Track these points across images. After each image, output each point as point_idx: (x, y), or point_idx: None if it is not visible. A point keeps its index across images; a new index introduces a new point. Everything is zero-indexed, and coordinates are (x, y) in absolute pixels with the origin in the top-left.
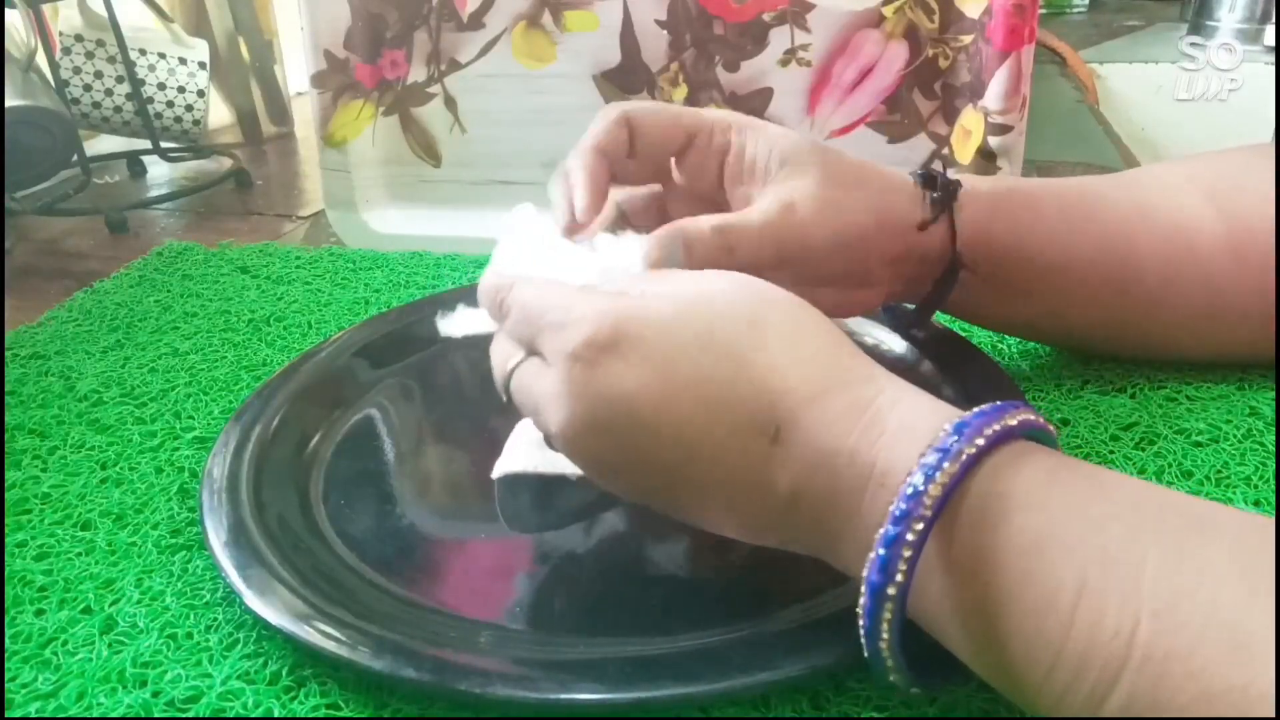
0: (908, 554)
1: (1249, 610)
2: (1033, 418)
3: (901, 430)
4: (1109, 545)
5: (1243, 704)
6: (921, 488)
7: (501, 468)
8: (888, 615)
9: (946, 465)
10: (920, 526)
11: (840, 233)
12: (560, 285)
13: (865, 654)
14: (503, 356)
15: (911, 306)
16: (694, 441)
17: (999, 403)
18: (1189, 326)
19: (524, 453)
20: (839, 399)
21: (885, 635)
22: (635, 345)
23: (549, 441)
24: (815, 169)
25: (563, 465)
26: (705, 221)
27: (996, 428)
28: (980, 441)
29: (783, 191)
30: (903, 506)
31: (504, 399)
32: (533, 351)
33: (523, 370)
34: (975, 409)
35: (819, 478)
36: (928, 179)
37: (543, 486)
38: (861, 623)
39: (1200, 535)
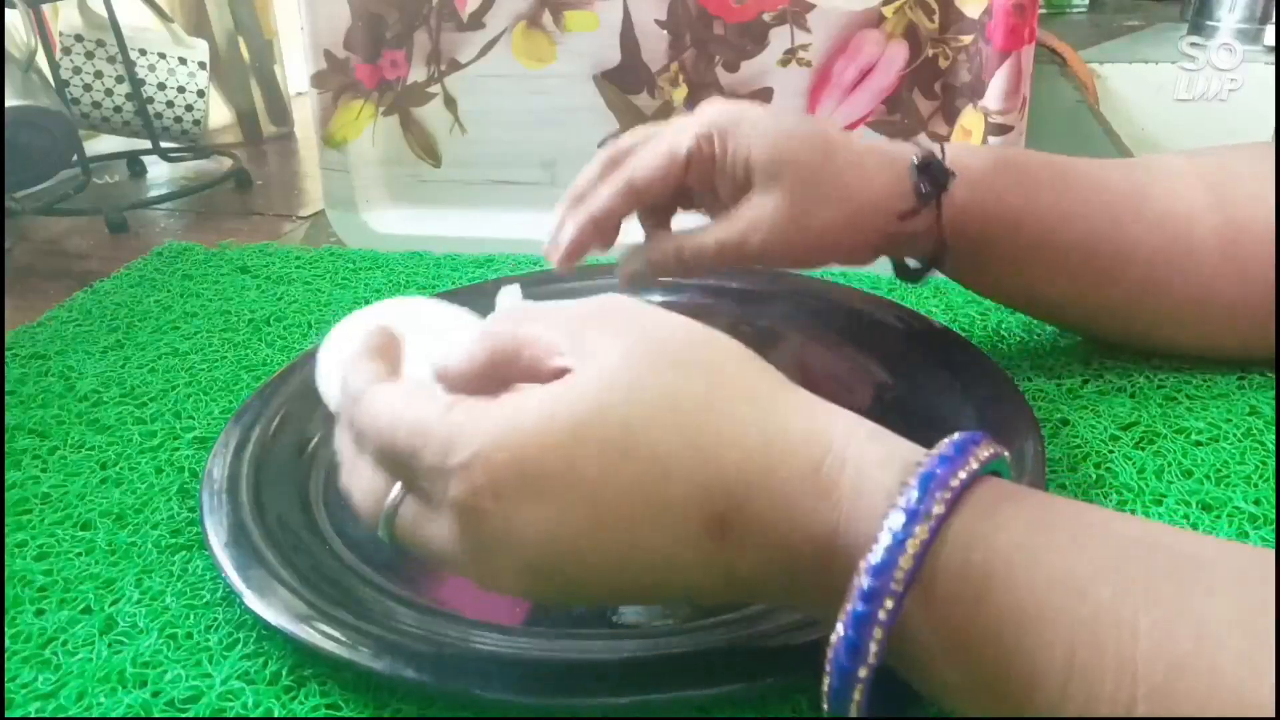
0: (878, 634)
1: (1253, 676)
2: (992, 453)
3: (856, 496)
4: (1098, 613)
5: None
6: (890, 559)
7: None
8: (856, 697)
9: (916, 530)
10: (890, 603)
11: (807, 246)
12: (419, 396)
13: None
14: (369, 491)
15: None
16: (633, 560)
17: (956, 440)
18: (1176, 317)
19: None
20: (780, 480)
21: (854, 715)
22: (543, 474)
23: None
24: (785, 180)
25: None
26: (669, 245)
27: (962, 476)
28: (948, 496)
29: (748, 211)
30: (869, 583)
31: (382, 538)
32: (406, 483)
33: (404, 513)
34: (936, 453)
35: (775, 560)
36: (923, 168)
37: None
38: (825, 704)
39: (1194, 583)
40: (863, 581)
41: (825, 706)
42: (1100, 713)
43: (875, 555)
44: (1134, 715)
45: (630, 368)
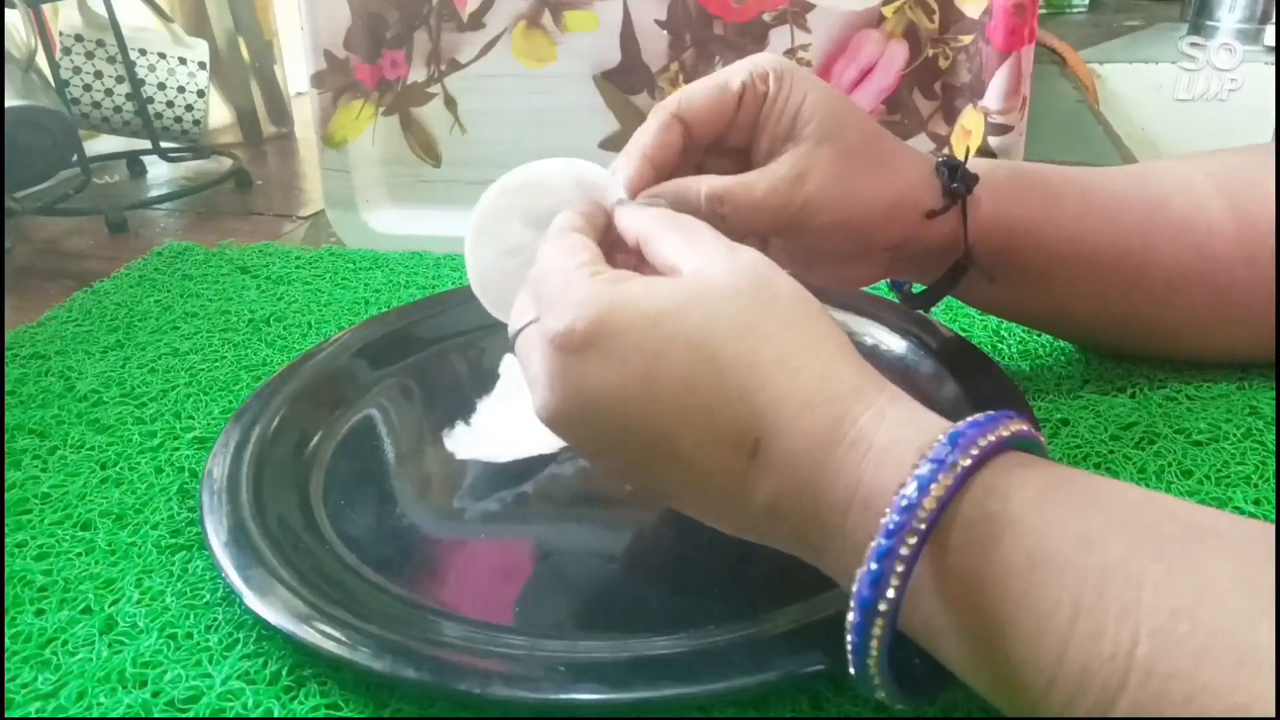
0: (900, 569)
1: (1251, 627)
2: (1024, 428)
3: (888, 448)
4: (1106, 563)
5: None
6: (915, 499)
7: (468, 450)
8: (877, 632)
9: (941, 477)
10: (914, 540)
11: (845, 216)
12: (577, 252)
13: (851, 670)
14: (520, 312)
15: (920, 287)
16: (671, 446)
17: (991, 413)
18: (1194, 328)
19: (484, 440)
20: (822, 416)
21: (874, 653)
22: (616, 341)
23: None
24: (836, 141)
25: (515, 453)
26: (701, 186)
27: (991, 438)
28: (974, 453)
29: (795, 162)
30: (896, 519)
31: (511, 348)
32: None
33: (526, 334)
34: (967, 419)
35: (798, 495)
36: (950, 168)
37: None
38: (850, 638)
39: (1201, 546)
40: (890, 519)
41: (848, 640)
42: (1104, 650)
43: (902, 498)
44: (1135, 655)
45: (723, 288)
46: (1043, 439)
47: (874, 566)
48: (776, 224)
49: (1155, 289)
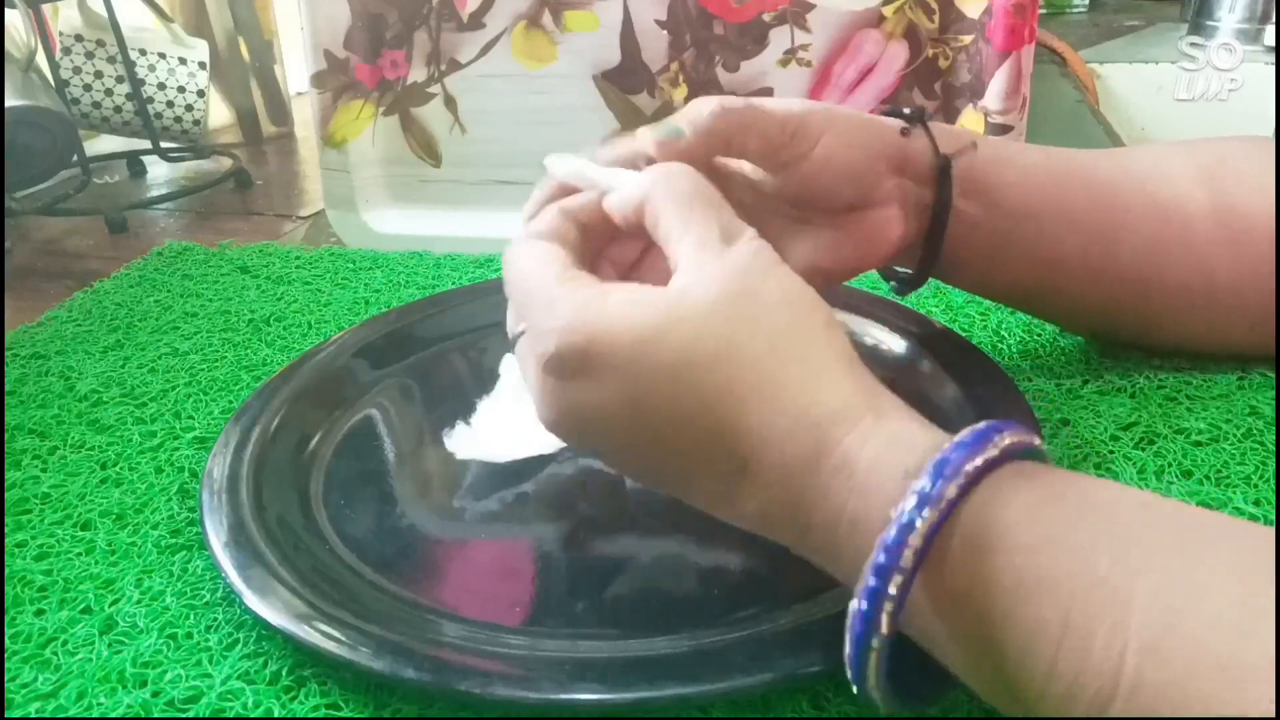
0: (890, 607)
1: (1245, 636)
2: (1016, 441)
3: (872, 472)
4: (1095, 579)
5: None
6: (899, 540)
7: (468, 450)
8: (873, 660)
9: (926, 513)
10: (900, 579)
11: (844, 130)
12: (550, 262)
13: (854, 690)
14: (512, 319)
15: (908, 271)
16: (662, 460)
17: (980, 428)
18: (1181, 304)
19: (484, 440)
20: (804, 441)
21: (872, 679)
22: (602, 369)
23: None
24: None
25: (515, 453)
26: (710, 104)
27: (978, 462)
28: (961, 482)
29: (790, 101)
30: (881, 559)
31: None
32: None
33: (520, 344)
34: (953, 440)
35: (788, 510)
36: (892, 112)
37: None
38: (847, 651)
39: (1197, 550)
40: (876, 558)
41: (847, 672)
42: (1092, 665)
43: (889, 534)
44: (1124, 670)
45: (708, 305)
46: (1041, 443)
47: (865, 607)
48: (792, 145)
49: (1130, 258)
